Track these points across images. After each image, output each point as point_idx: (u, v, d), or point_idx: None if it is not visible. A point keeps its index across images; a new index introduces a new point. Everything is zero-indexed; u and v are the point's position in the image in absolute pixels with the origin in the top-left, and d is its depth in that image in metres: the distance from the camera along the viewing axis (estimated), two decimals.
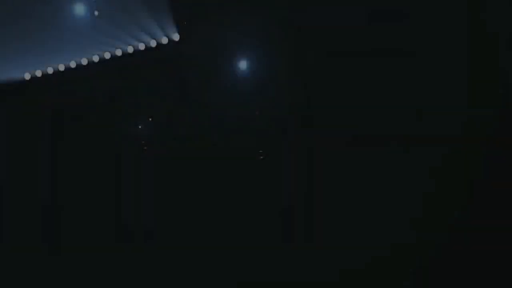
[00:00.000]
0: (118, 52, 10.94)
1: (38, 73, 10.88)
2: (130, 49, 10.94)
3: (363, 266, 10.19)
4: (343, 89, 10.71)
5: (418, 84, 10.54)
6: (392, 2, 10.61)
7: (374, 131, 10.62)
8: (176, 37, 10.97)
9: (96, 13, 10.78)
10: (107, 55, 10.92)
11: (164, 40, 10.99)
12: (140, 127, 11.08)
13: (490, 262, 9.94)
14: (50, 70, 10.88)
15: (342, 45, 10.72)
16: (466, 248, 10.03)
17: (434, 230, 10.25)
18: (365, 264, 10.20)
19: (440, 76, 10.53)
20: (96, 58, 10.93)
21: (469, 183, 10.29)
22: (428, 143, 10.44)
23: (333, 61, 10.72)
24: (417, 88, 10.55)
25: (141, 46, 10.97)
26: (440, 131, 10.45)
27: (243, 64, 10.92)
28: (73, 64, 10.91)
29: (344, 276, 10.18)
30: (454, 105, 10.44)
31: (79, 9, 10.77)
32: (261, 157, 10.91)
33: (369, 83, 10.68)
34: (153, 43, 10.98)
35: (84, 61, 10.93)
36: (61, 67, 10.90)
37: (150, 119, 11.07)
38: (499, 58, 10.49)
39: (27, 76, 10.84)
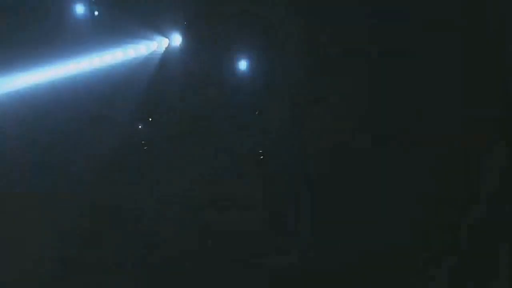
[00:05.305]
0: (118, 53, 10.98)
1: (38, 74, 10.91)
2: (130, 50, 10.98)
3: (362, 266, 10.20)
4: (343, 89, 10.72)
5: (418, 84, 10.55)
6: (393, 2, 10.62)
7: (374, 131, 10.63)
8: (176, 37, 11.00)
9: (96, 13, 10.81)
10: (107, 56, 10.95)
11: (165, 41, 11.02)
12: (140, 127, 11.10)
13: (489, 261, 9.95)
14: (50, 71, 10.91)
15: (343, 45, 10.74)
16: (465, 248, 10.06)
17: (434, 230, 10.25)
18: (364, 263, 10.21)
19: (440, 76, 10.53)
20: (95, 59, 10.96)
21: (469, 183, 10.29)
22: (428, 143, 10.44)
23: (334, 61, 10.74)
24: (417, 88, 10.56)
25: (141, 47, 11.01)
26: (440, 131, 10.45)
27: (243, 64, 10.94)
28: (72, 65, 10.93)
29: (344, 275, 10.19)
30: (454, 105, 10.44)
31: (79, 10, 10.81)
32: (261, 157, 10.93)
33: (369, 83, 10.69)
34: (153, 44, 11.01)
35: (84, 62, 10.96)
36: (61, 68, 10.93)
37: (150, 119, 11.09)
38: (501, 57, 10.48)
39: (27, 77, 10.87)
